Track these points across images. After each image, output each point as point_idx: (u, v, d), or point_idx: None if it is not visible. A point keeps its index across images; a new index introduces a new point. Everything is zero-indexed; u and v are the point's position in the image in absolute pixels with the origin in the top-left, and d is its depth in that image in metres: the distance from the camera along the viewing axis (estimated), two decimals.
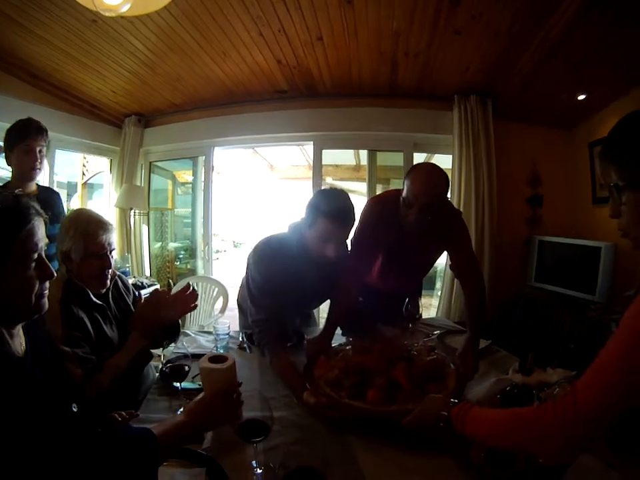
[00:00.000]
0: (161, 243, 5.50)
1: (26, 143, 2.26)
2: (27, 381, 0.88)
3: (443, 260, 2.27)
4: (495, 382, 1.52)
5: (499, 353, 2.02)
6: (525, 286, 3.86)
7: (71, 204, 5.29)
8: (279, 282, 1.78)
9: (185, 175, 5.84)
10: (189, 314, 3.72)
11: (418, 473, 1.13)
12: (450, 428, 1.10)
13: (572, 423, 0.82)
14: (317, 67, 3.51)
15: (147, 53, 3.27)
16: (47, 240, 0.98)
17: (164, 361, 1.59)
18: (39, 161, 2.31)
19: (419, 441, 1.23)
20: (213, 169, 4.72)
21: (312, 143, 4.35)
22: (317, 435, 1.32)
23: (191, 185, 5.48)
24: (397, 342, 1.65)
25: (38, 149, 2.30)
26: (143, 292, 3.43)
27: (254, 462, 1.12)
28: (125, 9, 1.60)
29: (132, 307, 1.85)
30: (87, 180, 5.63)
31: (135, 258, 4.75)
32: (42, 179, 3.65)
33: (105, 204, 4.89)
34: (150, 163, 4.96)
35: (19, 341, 0.96)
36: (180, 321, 1.82)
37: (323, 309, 2.28)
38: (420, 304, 2.12)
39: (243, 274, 2.05)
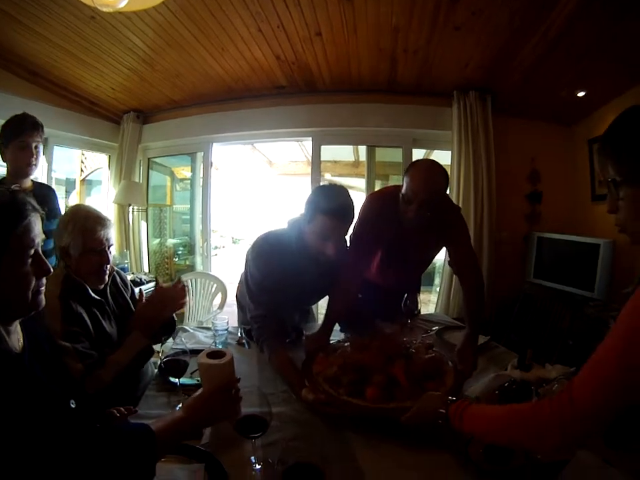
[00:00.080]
0: (159, 239, 5.49)
1: (21, 139, 2.22)
2: (25, 377, 0.87)
3: (441, 256, 2.27)
4: (493, 378, 1.52)
5: (497, 349, 2.03)
6: (523, 282, 3.87)
7: (70, 201, 5.27)
8: (277, 278, 1.78)
9: (184, 171, 5.82)
10: (188, 310, 3.74)
11: (416, 469, 1.13)
12: (448, 425, 1.10)
13: (569, 419, 0.82)
14: (316, 62, 3.50)
15: (145, 49, 3.25)
16: (43, 236, 0.97)
17: (162, 357, 1.59)
18: (35, 156, 2.28)
19: (418, 437, 1.23)
20: (211, 165, 4.71)
21: (311, 138, 4.34)
22: (315, 430, 1.32)
23: (189, 181, 5.46)
24: (395, 339, 1.65)
25: (34, 144, 2.26)
26: (142, 288, 3.42)
27: (252, 458, 1.12)
28: (122, 5, 1.60)
29: (130, 303, 1.85)
30: (86, 176, 5.61)
31: (133, 254, 4.75)
32: (40, 175, 3.65)
33: (103, 200, 4.88)
34: (148, 159, 4.95)
35: (16, 337, 0.95)
36: (175, 315, 1.83)
37: (322, 305, 2.29)
38: (419, 300, 2.11)
39: (242, 270, 2.04)
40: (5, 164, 2.31)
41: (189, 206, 5.38)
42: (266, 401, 1.15)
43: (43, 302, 0.98)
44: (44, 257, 0.96)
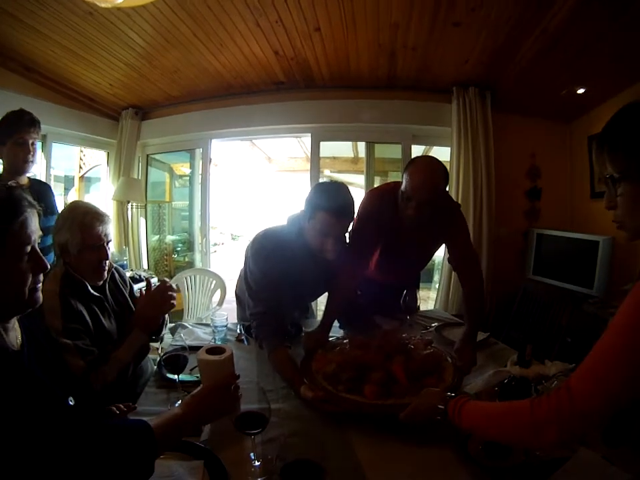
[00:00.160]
0: (158, 236, 5.48)
1: (18, 135, 2.21)
2: (23, 374, 0.87)
3: (441, 253, 2.27)
4: (492, 374, 1.53)
5: (496, 345, 2.03)
6: (523, 279, 3.86)
7: (69, 198, 5.26)
8: (276, 275, 1.77)
9: (183, 168, 5.80)
10: (189, 306, 3.75)
11: (416, 465, 1.13)
12: (446, 421, 1.10)
13: (567, 416, 0.82)
14: (315, 58, 3.49)
15: (144, 45, 3.23)
16: (40, 232, 0.97)
17: (162, 354, 1.59)
18: (32, 153, 2.27)
19: (417, 433, 1.23)
20: (210, 162, 4.69)
21: (310, 135, 4.32)
22: (314, 427, 1.32)
23: (188, 178, 5.45)
24: (394, 336, 1.65)
25: (30, 141, 2.25)
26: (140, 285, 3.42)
27: (252, 454, 1.12)
28: (120, 0, 1.59)
29: (129, 299, 1.85)
30: (84, 173, 5.60)
31: (132, 251, 4.73)
32: (38, 173, 3.64)
33: (102, 197, 4.87)
34: (147, 155, 4.93)
35: (14, 335, 0.95)
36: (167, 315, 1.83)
37: (321, 301, 2.29)
38: (418, 296, 2.12)
39: (241, 266, 2.04)
40: (1, 161, 2.30)
41: (187, 202, 5.37)
42: (265, 397, 1.15)
43: (41, 299, 0.98)
44: (41, 254, 0.95)
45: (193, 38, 3.12)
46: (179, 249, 5.71)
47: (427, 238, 2.01)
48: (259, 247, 1.85)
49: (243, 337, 2.04)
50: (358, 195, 1.93)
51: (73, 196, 5.38)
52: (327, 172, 6.78)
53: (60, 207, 2.47)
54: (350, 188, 1.78)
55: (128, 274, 2.02)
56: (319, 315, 2.22)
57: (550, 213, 4.17)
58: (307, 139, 4.62)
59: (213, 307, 3.75)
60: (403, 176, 1.74)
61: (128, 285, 1.92)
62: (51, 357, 1.08)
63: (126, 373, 1.54)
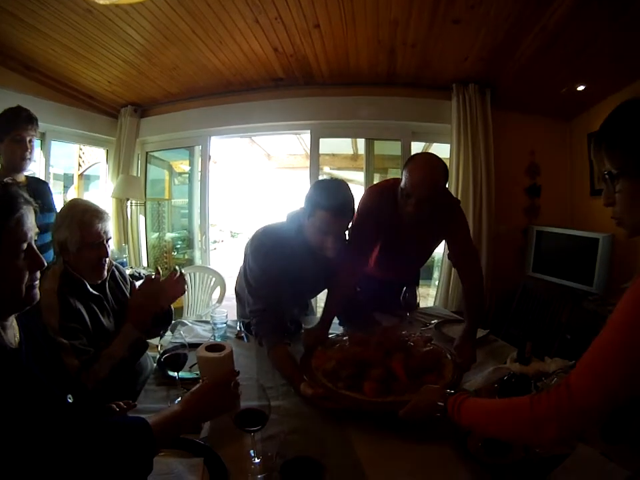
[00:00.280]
0: (158, 234, 5.48)
1: (16, 132, 2.19)
2: (21, 372, 0.87)
3: (441, 249, 2.27)
4: (492, 371, 1.53)
5: (496, 342, 2.02)
6: (522, 276, 3.86)
7: (68, 196, 5.25)
8: (276, 272, 1.77)
9: (182, 165, 5.81)
10: (188, 304, 3.75)
11: (415, 462, 1.13)
12: (446, 418, 1.10)
13: (566, 412, 0.82)
14: (314, 55, 3.48)
15: (143, 42, 3.23)
16: (37, 229, 0.96)
17: (161, 351, 1.59)
18: (29, 150, 2.25)
19: (417, 430, 1.23)
20: (209, 159, 4.69)
21: (309, 131, 4.32)
22: (314, 424, 1.32)
23: (187, 175, 5.45)
24: (394, 333, 1.65)
25: (28, 138, 2.23)
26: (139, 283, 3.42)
27: (251, 451, 1.12)
28: None
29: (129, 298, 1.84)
30: (84, 171, 5.59)
31: (132, 249, 4.73)
32: (37, 170, 3.64)
33: (101, 195, 4.86)
34: (146, 153, 4.92)
35: (12, 332, 0.95)
36: (172, 307, 1.82)
37: (321, 298, 2.29)
38: (417, 293, 2.12)
39: (241, 263, 2.04)
40: None
41: (187, 200, 5.37)
42: (265, 394, 1.15)
43: (38, 296, 0.97)
44: (37, 251, 0.95)
45: (191, 35, 3.11)
46: (178, 246, 5.71)
47: (427, 235, 2.01)
48: (258, 244, 1.85)
49: (242, 334, 2.04)
50: (357, 192, 1.93)
51: (72, 194, 5.37)
52: (326, 169, 6.78)
53: (59, 205, 2.46)
54: (349, 185, 1.77)
55: (128, 272, 2.00)
56: (319, 311, 2.22)
57: (550, 210, 4.17)
58: (306, 136, 4.60)
59: (212, 305, 3.74)
60: (402, 173, 1.74)
61: (128, 282, 1.92)
62: (48, 355, 1.07)
63: (119, 369, 1.50)
